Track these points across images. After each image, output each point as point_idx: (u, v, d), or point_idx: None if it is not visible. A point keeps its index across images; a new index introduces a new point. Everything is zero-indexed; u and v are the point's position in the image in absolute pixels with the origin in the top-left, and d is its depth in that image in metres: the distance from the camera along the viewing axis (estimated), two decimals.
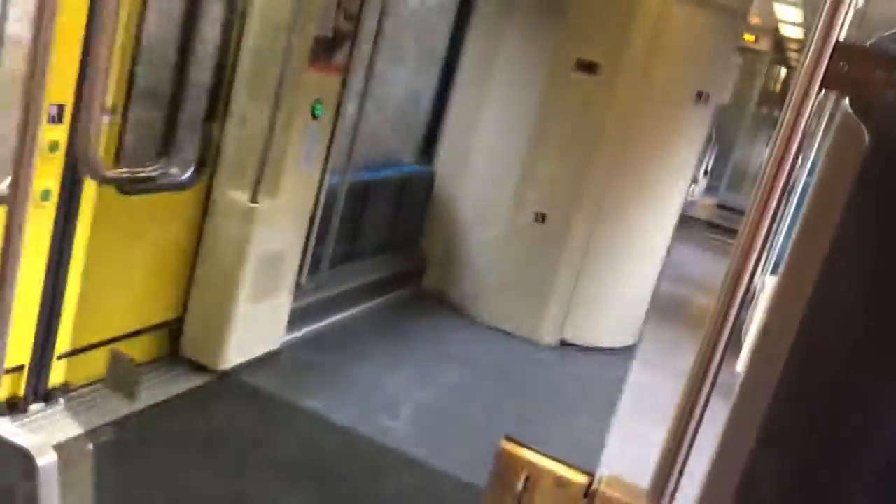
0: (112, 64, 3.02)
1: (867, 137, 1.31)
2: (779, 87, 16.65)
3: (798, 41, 13.34)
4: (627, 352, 6.60)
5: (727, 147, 12.58)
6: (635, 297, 6.73)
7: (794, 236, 1.48)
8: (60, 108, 3.26)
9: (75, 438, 3.54)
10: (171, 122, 4.11)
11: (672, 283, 8.24)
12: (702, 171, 11.33)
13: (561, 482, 1.57)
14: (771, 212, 1.42)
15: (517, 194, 6.29)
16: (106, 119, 3.52)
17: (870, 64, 1.29)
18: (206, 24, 4.12)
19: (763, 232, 1.41)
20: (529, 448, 1.60)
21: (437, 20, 6.56)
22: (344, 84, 4.75)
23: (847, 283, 1.36)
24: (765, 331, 1.45)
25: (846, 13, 1.21)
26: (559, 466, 1.58)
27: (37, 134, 1.55)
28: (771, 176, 1.40)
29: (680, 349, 6.31)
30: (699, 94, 6.34)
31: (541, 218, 6.23)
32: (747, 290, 1.43)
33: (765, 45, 12.96)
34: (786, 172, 1.40)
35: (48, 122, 3.18)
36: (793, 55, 15.64)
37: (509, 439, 1.61)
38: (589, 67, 6.00)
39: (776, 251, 6.05)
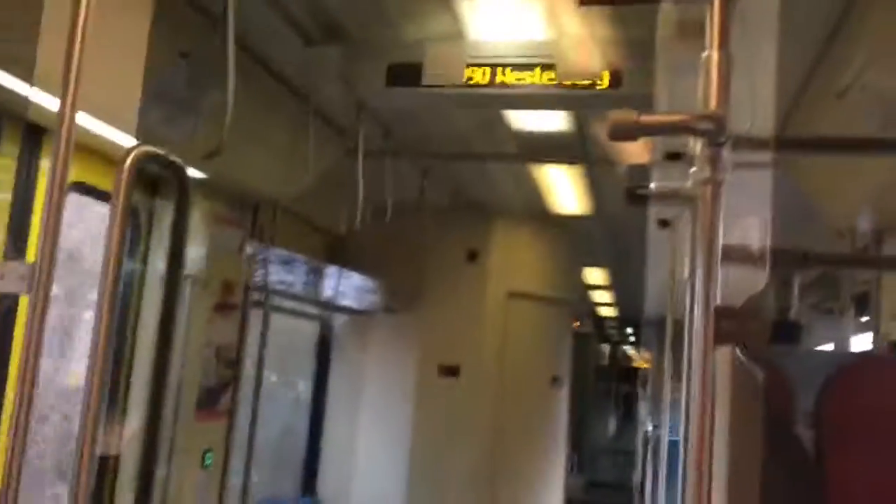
0: None
1: (761, 377, 1.67)
2: (607, 361, 18.02)
3: (614, 318, 14.78)
4: None
5: (584, 426, 13.24)
6: None
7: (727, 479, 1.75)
8: None
9: None
10: None
11: None
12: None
13: None
14: (709, 459, 1.67)
15: None
16: None
17: (744, 319, 1.68)
18: None
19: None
20: None
21: (302, 359, 6.88)
22: (230, 428, 4.84)
23: None
24: None
25: (717, 281, 1.59)
26: None
27: None
28: (698, 438, 1.65)
29: None
30: (553, 379, 6.88)
31: None
32: None
33: (588, 327, 14.24)
34: (709, 429, 1.68)
35: None
36: (612, 332, 17.17)
37: None
38: (451, 371, 6.45)
39: None
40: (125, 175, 1.88)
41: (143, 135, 2.92)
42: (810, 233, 5.08)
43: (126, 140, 2.49)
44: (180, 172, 2.12)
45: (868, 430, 1.75)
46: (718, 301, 1.69)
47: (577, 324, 12.94)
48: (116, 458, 4.33)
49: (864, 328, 4.66)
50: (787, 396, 1.71)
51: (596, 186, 6.07)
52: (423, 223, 5.78)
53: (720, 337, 1.68)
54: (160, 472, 4.22)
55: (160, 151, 2.05)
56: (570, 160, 5.45)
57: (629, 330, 18.75)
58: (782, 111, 4.05)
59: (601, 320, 15.20)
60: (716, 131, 1.61)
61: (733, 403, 1.78)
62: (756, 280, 1.77)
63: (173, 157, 2.06)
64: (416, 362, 6.60)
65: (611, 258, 8.80)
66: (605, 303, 13.29)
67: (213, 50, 2.90)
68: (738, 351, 1.66)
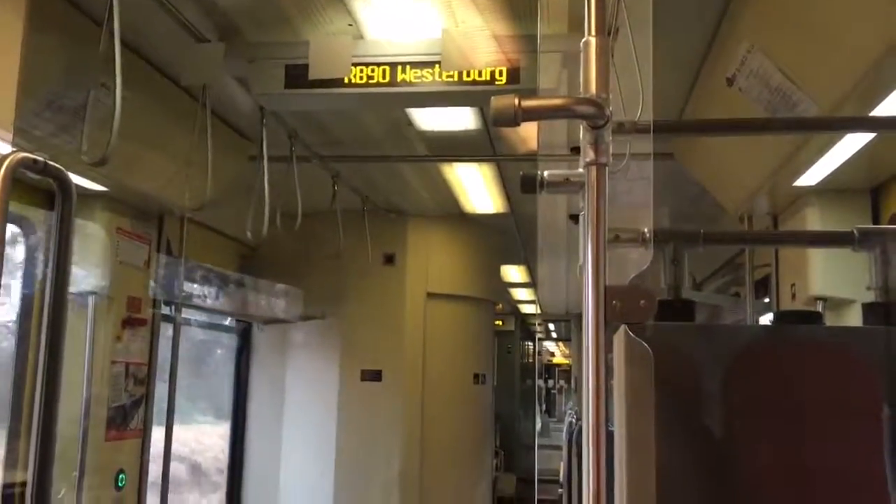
0: None
1: (651, 354, 1.70)
2: (531, 359, 18.24)
3: (536, 315, 14.95)
4: None
5: (510, 422, 13.35)
6: None
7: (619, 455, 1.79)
8: None
9: None
10: None
11: None
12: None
13: None
14: (604, 436, 1.72)
15: None
16: None
17: (633, 297, 1.71)
18: None
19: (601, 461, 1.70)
20: None
21: (219, 367, 6.75)
22: (143, 447, 4.71)
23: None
24: None
25: (605, 262, 1.62)
26: None
27: None
28: (594, 408, 1.71)
29: None
30: (476, 376, 6.91)
31: None
32: None
33: (511, 325, 14.38)
34: (603, 403, 1.73)
35: None
36: (535, 329, 17.37)
37: None
38: (374, 375, 6.42)
39: None
40: (0, 182, 1.81)
41: (28, 144, 2.82)
42: (714, 221, 5.25)
43: (2, 147, 2.39)
44: (63, 179, 2.05)
45: (758, 402, 1.80)
46: (608, 282, 1.73)
47: (500, 322, 13.08)
48: (23, 485, 4.16)
49: (766, 309, 4.83)
50: (680, 372, 1.75)
51: (509, 184, 6.13)
52: (338, 228, 5.73)
53: (610, 316, 1.72)
54: (70, 497, 4.07)
55: (39, 157, 1.97)
56: (480, 158, 5.48)
57: (552, 327, 19.02)
58: (678, 100, 4.17)
59: (524, 318, 15.36)
60: (596, 114, 1.63)
61: (627, 382, 1.82)
62: (643, 259, 1.81)
63: (53, 164, 1.99)
64: (337, 368, 6.55)
65: (530, 256, 8.91)
66: (527, 300, 13.43)
67: (101, 54, 2.82)
68: (627, 329, 1.70)
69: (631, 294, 1.72)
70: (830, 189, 3.85)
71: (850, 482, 1.76)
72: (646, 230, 1.84)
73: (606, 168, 1.68)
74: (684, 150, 4.46)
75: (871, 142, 3.15)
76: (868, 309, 1.81)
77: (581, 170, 1.75)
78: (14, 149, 1.96)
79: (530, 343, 18.14)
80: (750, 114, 3.29)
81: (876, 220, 3.87)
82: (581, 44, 1.64)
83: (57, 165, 2.02)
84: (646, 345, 1.69)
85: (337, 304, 6.64)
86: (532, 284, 11.43)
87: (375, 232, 6.41)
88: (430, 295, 6.76)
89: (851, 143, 3.17)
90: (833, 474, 1.76)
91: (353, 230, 6.07)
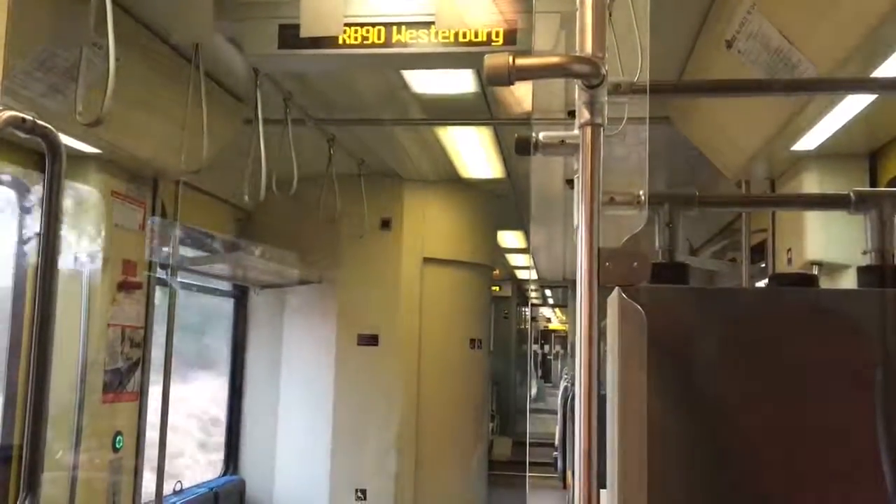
0: None
1: (644, 316, 1.70)
2: (526, 325, 18.30)
3: (533, 281, 14.96)
4: None
5: (506, 387, 13.44)
6: None
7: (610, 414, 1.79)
8: None
9: None
10: None
11: None
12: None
13: None
14: (595, 397, 1.72)
15: (333, 479, 6.32)
16: None
17: (626, 260, 1.70)
18: None
19: (594, 416, 1.71)
20: None
21: (216, 329, 6.76)
22: (140, 410, 4.72)
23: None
24: None
25: (598, 224, 1.61)
26: None
27: None
28: (586, 370, 1.72)
29: None
30: (472, 342, 6.93)
31: (362, 495, 6.26)
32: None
33: (508, 291, 14.38)
34: (596, 365, 1.73)
35: None
36: (533, 294, 17.41)
37: None
38: (370, 340, 6.44)
39: None
40: None
41: (19, 105, 2.78)
42: (712, 187, 5.23)
43: None
44: (52, 139, 2.02)
45: (751, 364, 1.80)
46: (601, 245, 1.71)
47: (497, 288, 13.10)
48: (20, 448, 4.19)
49: (761, 274, 4.83)
50: (673, 334, 1.74)
51: (507, 149, 6.09)
52: (334, 193, 5.71)
53: (603, 278, 1.71)
54: (67, 458, 4.09)
55: (27, 116, 1.95)
56: (475, 122, 5.44)
57: (548, 293, 19.05)
58: (677, 63, 4.13)
59: (521, 284, 15.38)
60: (591, 73, 1.61)
61: (620, 344, 1.81)
62: (637, 222, 1.80)
63: (42, 123, 1.97)
64: (334, 333, 6.56)
65: (527, 221, 8.89)
66: (524, 266, 13.43)
67: (92, 10, 2.77)
68: (620, 291, 1.69)
69: (624, 256, 1.71)
70: (828, 154, 3.83)
71: (841, 443, 1.76)
72: (641, 193, 1.82)
73: (602, 129, 1.66)
74: (682, 114, 4.43)
75: (869, 106, 3.12)
76: (862, 272, 1.81)
77: (576, 131, 1.73)
78: (1, 107, 1.94)
79: (528, 309, 18.18)
80: (749, 77, 3.26)
81: (874, 185, 3.85)
82: (577, 2, 1.61)
83: (45, 124, 1.99)
84: (639, 307, 1.68)
85: (333, 269, 6.63)
86: (530, 250, 11.42)
87: (372, 196, 6.38)
88: (427, 260, 6.75)
89: (850, 107, 3.15)
90: (825, 435, 1.76)
91: (349, 194, 6.05)
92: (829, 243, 3.65)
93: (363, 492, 6.29)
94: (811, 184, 3.92)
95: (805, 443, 1.73)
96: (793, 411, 1.71)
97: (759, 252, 4.73)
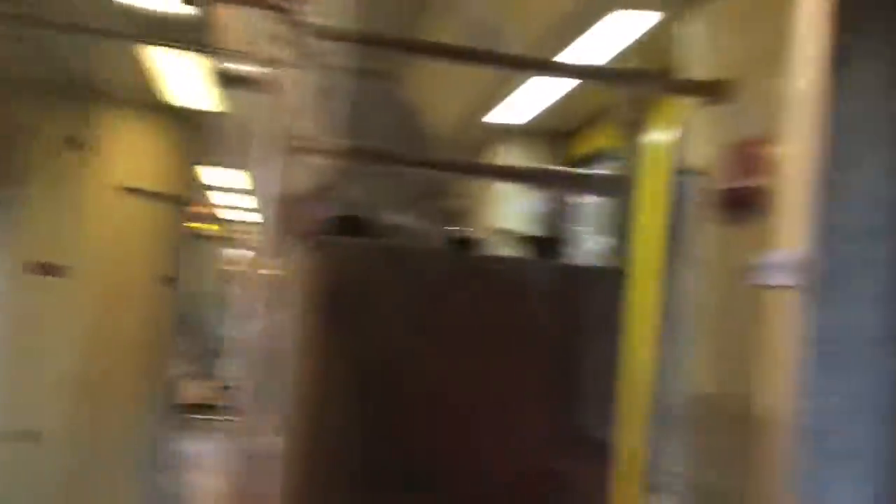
0: None
1: (322, 266, 1.68)
2: (229, 265, 17.80)
3: (240, 223, 14.53)
4: None
5: (200, 327, 13.01)
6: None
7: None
8: None
9: None
10: None
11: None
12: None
13: None
14: (268, 341, 1.69)
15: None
16: None
17: (308, 209, 1.67)
18: None
19: None
20: None
21: None
22: None
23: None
24: None
25: (283, 170, 1.57)
26: None
27: None
28: (264, 311, 1.67)
29: None
30: (164, 279, 6.59)
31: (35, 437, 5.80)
32: None
33: (213, 231, 13.83)
34: (272, 308, 1.70)
35: None
36: (238, 236, 16.92)
37: None
38: (51, 270, 5.94)
39: None
40: None
41: None
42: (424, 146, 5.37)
43: None
44: None
45: (421, 321, 1.85)
46: (285, 192, 1.67)
47: (199, 225, 12.59)
48: None
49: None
50: (349, 286, 1.75)
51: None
52: (19, 101, 5.11)
53: (284, 225, 1.67)
54: None
55: None
56: (189, 47, 5.11)
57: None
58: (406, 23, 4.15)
59: (232, 223, 14.86)
60: (289, 7, 1.55)
61: (297, 291, 1.79)
62: (323, 173, 1.77)
63: None
64: (9, 260, 5.94)
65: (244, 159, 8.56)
66: (232, 206, 12.96)
67: None
68: (300, 239, 1.66)
69: (305, 206, 1.68)
70: (530, 130, 4.08)
71: (494, 401, 1.88)
72: (330, 143, 1.79)
73: (295, 70, 1.61)
74: (409, 73, 4.49)
75: (572, 89, 3.35)
76: (526, 241, 1.93)
77: (271, 69, 1.66)
78: None
79: (232, 249, 17.68)
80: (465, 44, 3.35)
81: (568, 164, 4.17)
82: None
83: None
84: (318, 256, 1.67)
85: (12, 189, 5.99)
86: (241, 190, 11.04)
87: (64, 112, 5.82)
88: (120, 188, 6.28)
89: (548, 87, 3.36)
90: (482, 394, 1.87)
91: (37, 106, 5.46)
92: (512, 214, 3.90)
93: (37, 434, 5.80)
94: (512, 157, 4.16)
95: (462, 398, 1.83)
96: (446, 361, 1.79)
97: (457, 216, 4.95)
